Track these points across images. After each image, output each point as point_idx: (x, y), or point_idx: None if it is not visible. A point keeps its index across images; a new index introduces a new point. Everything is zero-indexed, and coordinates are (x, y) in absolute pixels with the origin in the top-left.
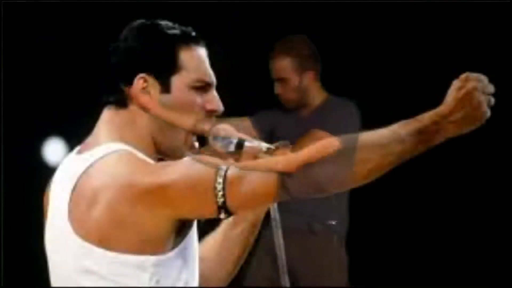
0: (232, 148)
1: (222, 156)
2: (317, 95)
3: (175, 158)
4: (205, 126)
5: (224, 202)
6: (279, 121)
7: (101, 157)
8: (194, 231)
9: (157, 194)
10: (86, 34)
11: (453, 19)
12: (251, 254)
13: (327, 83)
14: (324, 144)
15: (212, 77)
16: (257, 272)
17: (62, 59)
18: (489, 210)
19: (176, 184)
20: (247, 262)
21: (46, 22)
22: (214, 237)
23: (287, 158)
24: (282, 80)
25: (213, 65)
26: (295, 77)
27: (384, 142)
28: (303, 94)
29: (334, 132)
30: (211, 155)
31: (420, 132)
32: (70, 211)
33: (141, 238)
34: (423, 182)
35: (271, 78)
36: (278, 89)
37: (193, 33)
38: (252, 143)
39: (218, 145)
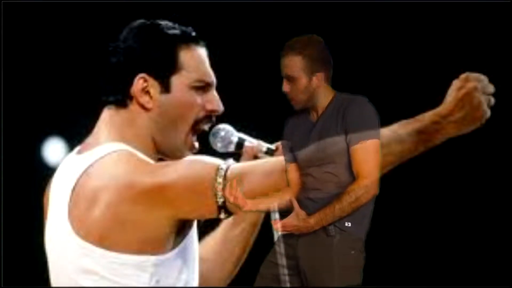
0: (232, 148)
1: None
2: (326, 97)
3: (175, 158)
4: (205, 126)
5: (224, 202)
6: (294, 125)
7: (101, 157)
8: (194, 231)
9: (157, 194)
10: (86, 34)
11: (453, 19)
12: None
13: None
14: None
15: (212, 77)
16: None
17: (62, 59)
18: (490, 210)
19: (176, 184)
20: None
21: (46, 22)
22: (214, 237)
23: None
24: (291, 79)
25: (213, 65)
26: (304, 77)
27: (384, 142)
28: (311, 96)
29: (347, 130)
30: None
31: (420, 132)
32: (70, 211)
33: (141, 238)
34: (423, 182)
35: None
36: (285, 87)
37: (193, 33)
38: (252, 143)
39: (218, 145)
